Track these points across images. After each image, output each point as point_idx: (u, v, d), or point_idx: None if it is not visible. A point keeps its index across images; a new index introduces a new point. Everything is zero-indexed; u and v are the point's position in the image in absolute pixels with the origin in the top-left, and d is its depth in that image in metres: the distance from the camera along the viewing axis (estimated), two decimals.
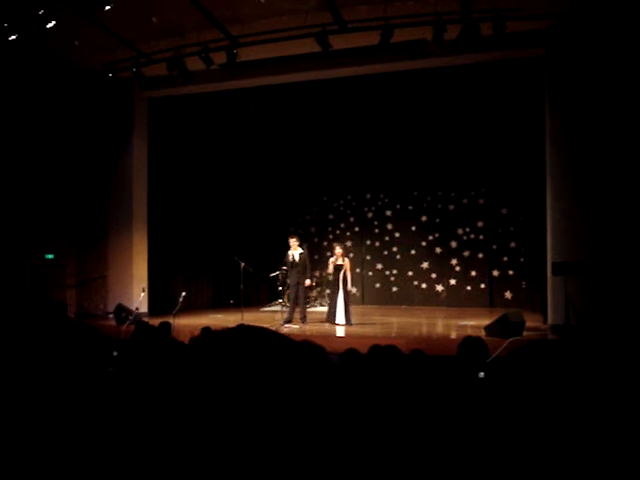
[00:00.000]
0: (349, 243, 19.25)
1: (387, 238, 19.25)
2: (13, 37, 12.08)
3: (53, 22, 11.73)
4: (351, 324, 13.08)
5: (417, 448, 2.12)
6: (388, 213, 19.28)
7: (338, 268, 13.32)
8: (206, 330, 8.70)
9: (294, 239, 13.79)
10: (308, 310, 16.64)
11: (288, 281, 13.89)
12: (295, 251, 13.62)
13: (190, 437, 1.31)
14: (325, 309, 17.41)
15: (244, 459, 1.27)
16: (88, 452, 1.55)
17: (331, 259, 13.64)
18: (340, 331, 12.60)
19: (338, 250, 13.50)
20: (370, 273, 19.42)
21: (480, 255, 18.05)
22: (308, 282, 13.95)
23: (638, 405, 1.58)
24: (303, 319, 13.63)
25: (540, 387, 1.57)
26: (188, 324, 11.73)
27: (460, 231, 18.29)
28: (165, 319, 9.88)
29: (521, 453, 1.51)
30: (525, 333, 10.84)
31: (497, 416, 1.64)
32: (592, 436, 1.48)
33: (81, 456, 1.54)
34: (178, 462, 1.32)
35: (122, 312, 13.52)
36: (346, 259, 13.43)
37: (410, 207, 18.94)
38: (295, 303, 13.73)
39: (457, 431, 2.06)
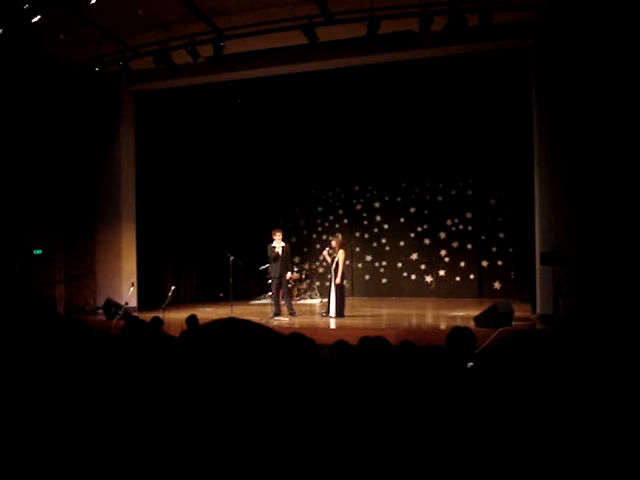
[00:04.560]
0: (340, 236, 19.25)
1: (376, 230, 19.28)
2: None
3: (38, 16, 11.66)
4: (340, 316, 13.07)
5: (406, 438, 2.13)
6: (377, 205, 19.30)
7: (333, 260, 13.35)
8: (192, 318, 8.70)
9: (280, 232, 13.78)
10: (299, 302, 16.70)
11: (272, 273, 13.82)
12: (279, 244, 13.59)
13: (179, 431, 1.32)
14: (314, 301, 17.52)
15: (235, 454, 1.27)
16: (77, 447, 1.55)
17: (324, 252, 13.75)
18: (330, 323, 12.62)
19: (332, 243, 13.55)
20: (359, 265, 19.46)
21: (469, 246, 18.11)
22: (289, 275, 14.13)
23: (628, 394, 1.59)
24: (292, 312, 13.64)
25: (528, 377, 1.58)
26: (178, 318, 11.71)
27: (449, 222, 18.33)
28: (155, 313, 9.88)
29: (509, 443, 1.52)
30: (514, 323, 10.89)
31: (485, 405, 1.65)
32: (580, 425, 1.50)
33: (70, 450, 1.54)
34: (168, 456, 1.32)
35: (111, 307, 13.48)
36: (340, 251, 13.34)
37: (399, 199, 18.96)
38: (279, 295, 13.75)
39: (445, 420, 2.07)
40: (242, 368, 1.32)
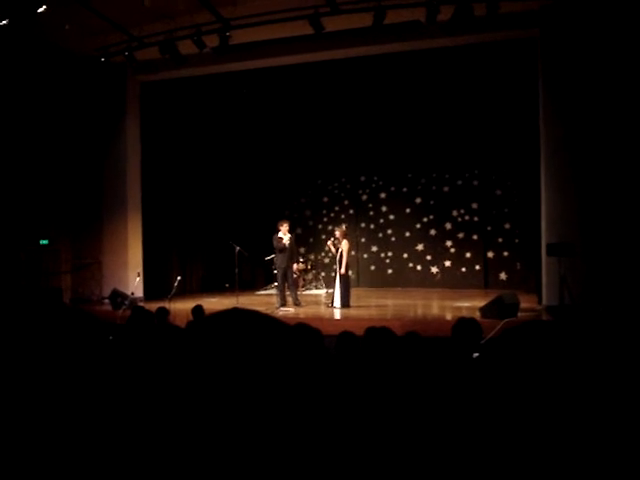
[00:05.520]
0: (344, 226, 19.21)
1: (382, 220, 19.24)
2: (4, 22, 11.99)
3: (44, 7, 11.65)
4: (345, 307, 13.07)
5: (412, 428, 2.14)
6: (382, 195, 19.26)
7: (337, 250, 13.37)
8: (197, 309, 8.72)
9: (287, 223, 13.77)
10: (304, 293, 16.70)
11: (277, 264, 13.80)
12: (285, 235, 13.58)
13: (185, 422, 1.32)
14: (320, 292, 17.54)
15: (241, 444, 1.28)
16: (82, 437, 1.56)
17: (329, 242, 13.77)
18: (335, 314, 12.64)
19: (336, 233, 13.56)
20: (365, 255, 19.43)
21: (475, 237, 18.06)
22: (296, 266, 14.20)
23: (632, 385, 1.59)
24: (297, 302, 13.66)
25: (533, 368, 1.58)
26: (184, 308, 11.73)
27: (455, 213, 18.28)
28: (161, 303, 9.90)
29: (515, 433, 1.52)
30: (519, 314, 10.89)
31: (491, 396, 1.65)
32: (585, 416, 1.50)
33: (75, 442, 1.55)
34: (175, 445, 1.32)
35: (118, 297, 13.51)
36: (344, 241, 13.36)
37: (404, 189, 18.91)
38: (285, 286, 13.75)
39: (451, 411, 2.08)
40: (248, 358, 1.33)
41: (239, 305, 12.21)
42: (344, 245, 13.26)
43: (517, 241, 17.37)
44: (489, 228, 17.89)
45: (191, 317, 8.77)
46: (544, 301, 12.53)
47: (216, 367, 1.32)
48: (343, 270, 13.13)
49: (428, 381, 3.36)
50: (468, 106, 17.36)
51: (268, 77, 16.42)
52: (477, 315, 10.65)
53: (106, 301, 14.63)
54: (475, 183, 18.06)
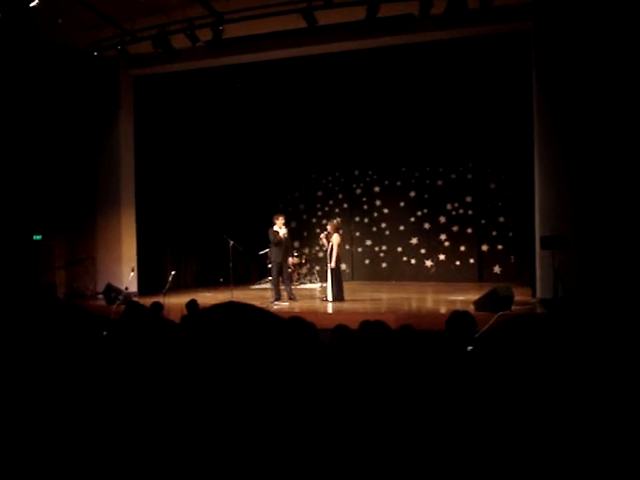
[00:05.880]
0: (335, 220, 19.19)
1: (376, 214, 19.26)
2: None
3: (36, 1, 11.60)
4: (338, 300, 13.07)
5: (406, 421, 2.14)
6: (376, 189, 19.27)
7: (329, 244, 13.39)
8: (192, 303, 8.71)
9: (282, 217, 13.77)
10: (299, 287, 16.71)
11: (272, 257, 13.78)
12: (281, 229, 13.57)
13: (180, 416, 1.32)
14: (314, 286, 17.55)
15: (236, 437, 1.28)
16: (77, 431, 1.56)
17: (321, 235, 13.77)
18: (330, 307, 12.64)
19: (328, 227, 13.57)
20: (359, 249, 19.45)
21: (469, 230, 18.09)
22: (291, 260, 14.21)
23: (626, 378, 1.60)
24: (292, 296, 13.66)
25: (527, 360, 1.59)
26: (178, 302, 11.73)
27: (449, 206, 18.30)
28: (155, 298, 9.88)
29: (508, 426, 1.53)
30: (514, 307, 10.90)
31: (485, 389, 1.65)
32: (579, 408, 1.50)
33: (70, 435, 1.54)
34: (168, 443, 1.32)
35: (112, 292, 13.49)
36: (335, 235, 13.36)
37: (398, 183, 18.93)
38: (279, 280, 13.74)
39: (445, 404, 2.08)
40: (243, 352, 1.33)
41: (234, 299, 12.20)
42: (334, 239, 13.27)
43: (511, 234, 17.40)
44: (483, 221, 17.92)
45: (185, 311, 8.76)
46: (538, 294, 12.55)
47: (211, 361, 1.32)
48: (333, 264, 13.14)
49: (422, 374, 3.37)
50: (462, 99, 17.36)
51: (261, 71, 16.37)
52: (471, 308, 10.65)
53: (100, 296, 14.60)
54: (469, 177, 18.08)
